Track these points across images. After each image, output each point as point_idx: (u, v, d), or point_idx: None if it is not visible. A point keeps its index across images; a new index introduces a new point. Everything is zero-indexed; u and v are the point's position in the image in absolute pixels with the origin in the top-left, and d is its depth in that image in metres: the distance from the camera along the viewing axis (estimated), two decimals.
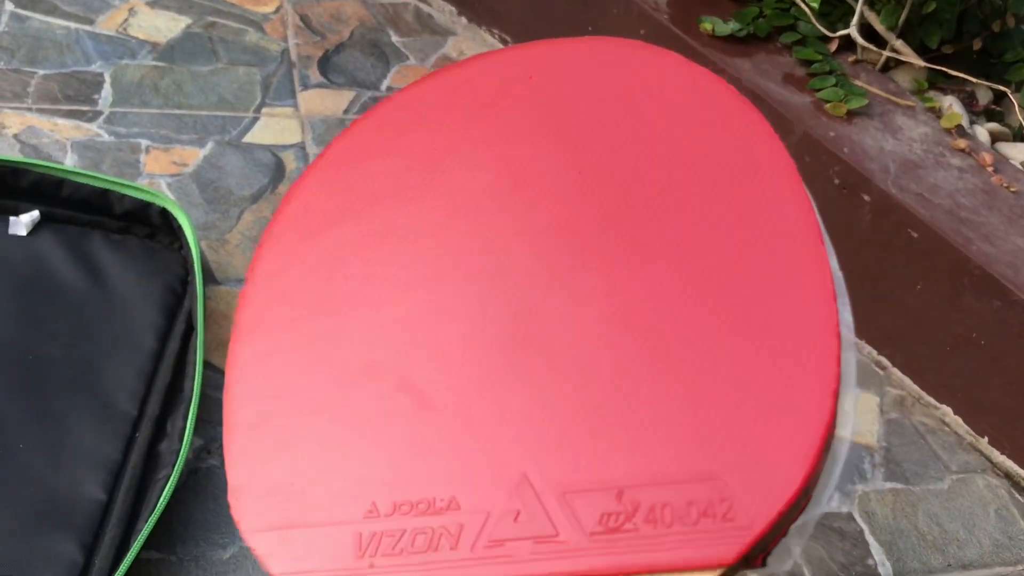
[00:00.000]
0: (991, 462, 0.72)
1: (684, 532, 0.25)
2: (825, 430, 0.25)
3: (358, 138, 0.35)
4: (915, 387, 0.76)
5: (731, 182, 0.29)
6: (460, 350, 0.29)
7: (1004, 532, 0.67)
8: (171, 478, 0.56)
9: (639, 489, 0.25)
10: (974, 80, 0.82)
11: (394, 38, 1.00)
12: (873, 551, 0.65)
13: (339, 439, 0.28)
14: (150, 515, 0.54)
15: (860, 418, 0.73)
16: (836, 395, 0.25)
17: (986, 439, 0.72)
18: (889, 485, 0.69)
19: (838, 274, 0.28)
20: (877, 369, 0.77)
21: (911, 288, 0.74)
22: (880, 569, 0.64)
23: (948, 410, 0.74)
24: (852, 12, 0.84)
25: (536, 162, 0.32)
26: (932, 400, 0.75)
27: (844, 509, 0.67)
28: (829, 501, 0.64)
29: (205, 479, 0.60)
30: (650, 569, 0.24)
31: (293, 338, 0.30)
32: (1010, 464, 0.71)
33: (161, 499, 0.55)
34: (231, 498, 0.28)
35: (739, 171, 0.30)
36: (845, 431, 0.26)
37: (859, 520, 0.66)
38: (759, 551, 0.25)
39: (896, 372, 0.77)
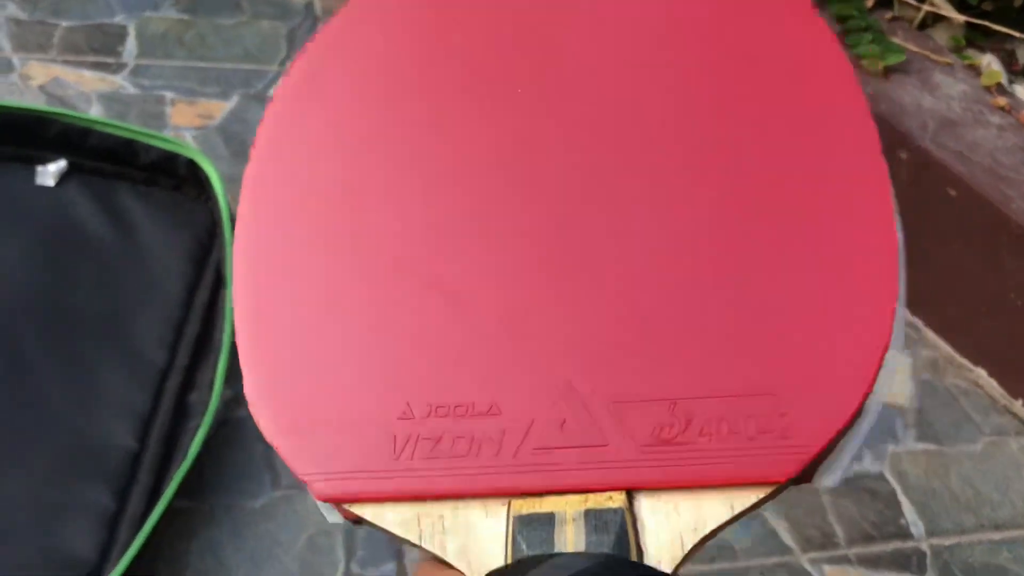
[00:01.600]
0: None
1: (740, 448, 0.24)
2: (884, 349, 0.24)
3: (364, 10, 0.31)
4: (949, 349, 0.75)
5: (785, 86, 0.28)
6: (498, 249, 0.27)
7: None
8: (201, 427, 0.56)
9: (694, 402, 0.24)
10: (1016, 35, 0.80)
11: None
12: (905, 511, 0.64)
13: (365, 339, 0.26)
14: (181, 464, 0.54)
15: (893, 378, 0.73)
16: (895, 313, 0.25)
17: (1020, 401, 0.72)
18: (921, 446, 0.68)
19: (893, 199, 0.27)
20: (910, 330, 0.76)
21: (947, 247, 0.72)
22: (912, 529, 0.63)
23: (982, 372, 0.73)
24: None
25: (579, 55, 0.29)
26: (966, 362, 0.74)
27: (876, 469, 0.66)
28: (862, 453, 0.63)
29: (235, 430, 0.60)
30: (703, 482, 0.23)
31: (308, 227, 0.28)
32: None
33: (192, 448, 0.55)
34: (248, 393, 0.26)
35: (793, 75, 0.28)
36: (896, 349, 0.25)
37: (891, 480, 0.66)
38: (812, 469, 0.24)
39: (930, 334, 0.76)
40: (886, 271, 0.25)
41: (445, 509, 0.24)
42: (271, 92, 0.84)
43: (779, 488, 0.24)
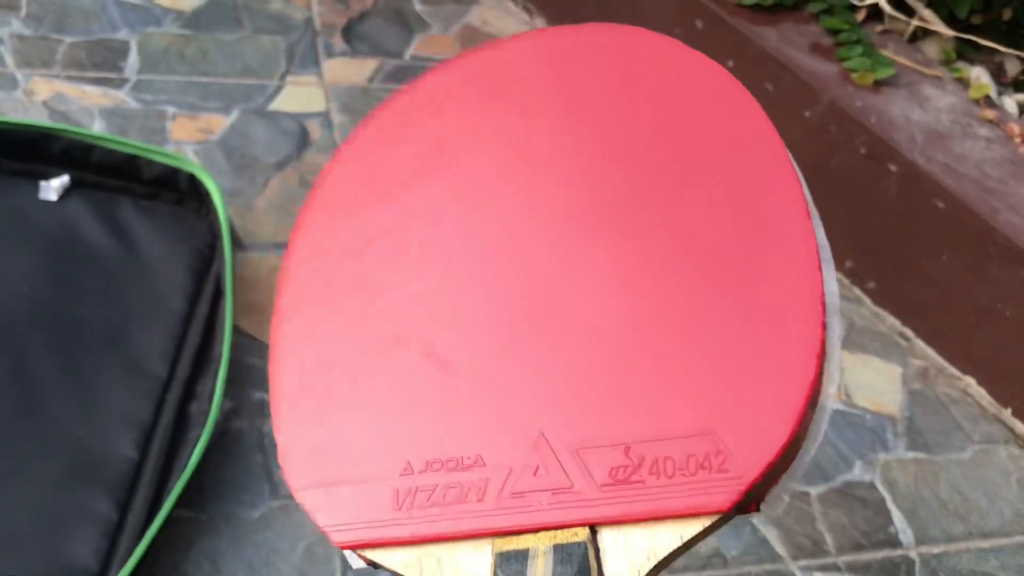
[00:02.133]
0: (1014, 433, 0.72)
1: (685, 483, 0.27)
2: (810, 389, 0.27)
3: (378, 128, 0.37)
4: (939, 358, 0.76)
5: (725, 162, 0.32)
6: (480, 322, 0.31)
7: None
8: (201, 438, 0.57)
9: (644, 445, 0.28)
10: (1003, 50, 0.81)
11: (417, 6, 1.00)
12: (895, 519, 0.65)
13: (374, 406, 0.31)
14: (181, 474, 0.55)
15: (883, 388, 0.74)
16: (820, 357, 0.28)
17: (1009, 410, 0.73)
18: (911, 455, 0.69)
19: (824, 243, 0.30)
20: (900, 340, 0.77)
21: (936, 259, 0.74)
22: (901, 537, 0.64)
23: (971, 381, 0.74)
24: None
25: (547, 147, 0.35)
26: (955, 371, 0.75)
27: (866, 478, 0.67)
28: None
29: (235, 441, 0.61)
30: (655, 515, 0.27)
31: (330, 315, 0.33)
32: None
33: (192, 459, 0.56)
34: (280, 459, 0.31)
35: (733, 152, 0.32)
36: (832, 388, 0.28)
37: (881, 488, 0.67)
38: (752, 499, 0.27)
39: (920, 343, 0.77)
40: (810, 322, 0.28)
41: (441, 550, 0.28)
42: (271, 106, 0.85)
43: (724, 517, 0.27)
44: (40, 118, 0.79)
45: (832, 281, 0.29)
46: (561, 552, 0.27)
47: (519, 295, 0.32)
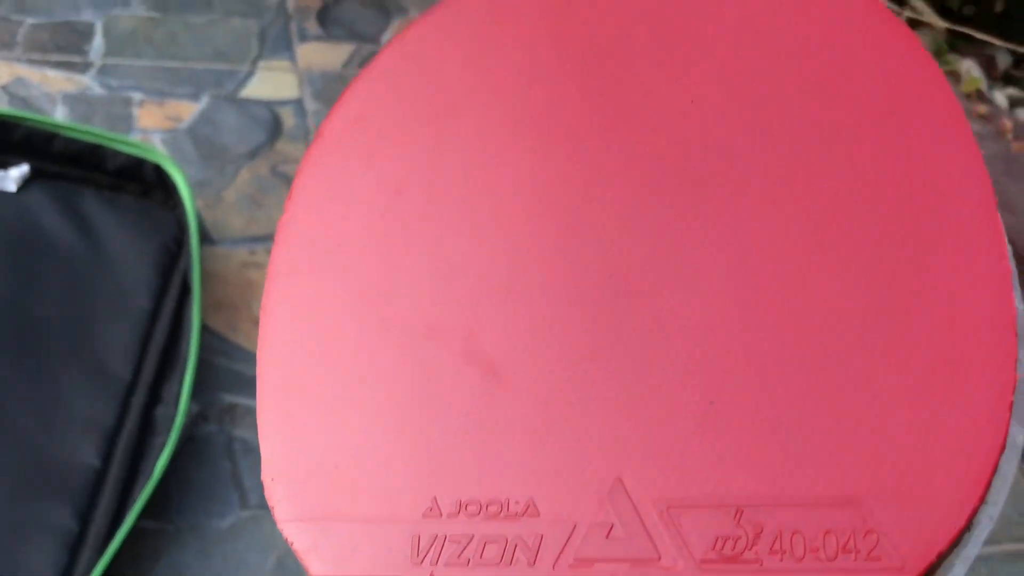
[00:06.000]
0: None
1: (818, 569, 0.20)
2: (999, 450, 0.20)
3: (414, 44, 0.28)
4: None
5: (889, 125, 0.23)
6: (544, 315, 0.24)
7: (1016, 509, 0.66)
8: (167, 444, 0.54)
9: (763, 510, 0.20)
10: (996, 43, 0.80)
11: None
12: None
13: (393, 417, 0.24)
14: (146, 483, 0.53)
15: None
16: (1011, 408, 0.20)
17: None
18: None
19: (1011, 262, 0.23)
20: None
21: None
22: None
23: None
24: None
25: (639, 83, 0.26)
26: None
27: None
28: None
29: (203, 446, 0.58)
30: None
31: (340, 286, 0.26)
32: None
33: (157, 466, 0.54)
34: (264, 477, 0.24)
35: (893, 110, 0.23)
36: (1021, 437, 0.21)
37: None
38: None
39: None
40: (1001, 358, 0.21)
41: None
42: (242, 93, 0.82)
43: None
44: None
45: (1020, 301, 0.22)
46: None
47: (598, 283, 0.23)
